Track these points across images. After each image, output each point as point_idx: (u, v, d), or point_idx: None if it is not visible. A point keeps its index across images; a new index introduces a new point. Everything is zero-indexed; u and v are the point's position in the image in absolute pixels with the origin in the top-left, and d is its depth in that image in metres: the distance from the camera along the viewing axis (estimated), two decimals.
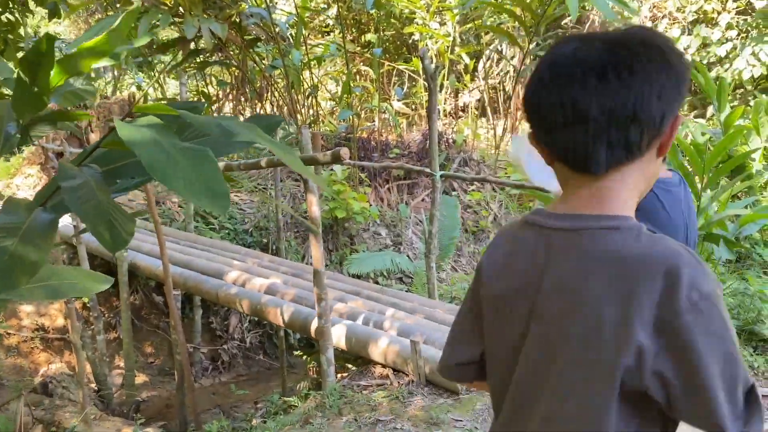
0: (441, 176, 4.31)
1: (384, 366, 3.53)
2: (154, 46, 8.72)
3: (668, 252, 0.83)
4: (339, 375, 3.81)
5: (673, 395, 0.81)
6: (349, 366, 3.89)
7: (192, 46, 8.27)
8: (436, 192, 4.29)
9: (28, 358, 6.61)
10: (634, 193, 0.91)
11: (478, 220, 8.91)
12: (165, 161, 0.99)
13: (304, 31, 10.93)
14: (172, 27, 8.50)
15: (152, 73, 13.37)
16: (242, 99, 10.20)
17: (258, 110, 10.97)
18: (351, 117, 9.15)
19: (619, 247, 0.85)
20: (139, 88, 13.01)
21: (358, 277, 6.62)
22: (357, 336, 3.62)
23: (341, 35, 14.26)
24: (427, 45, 12.81)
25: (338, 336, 3.70)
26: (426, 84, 4.17)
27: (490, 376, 1.04)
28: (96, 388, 6.00)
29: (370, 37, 14.38)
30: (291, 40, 9.96)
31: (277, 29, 10.03)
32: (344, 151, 2.87)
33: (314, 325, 3.51)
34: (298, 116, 10.05)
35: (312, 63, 10.02)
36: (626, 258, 0.84)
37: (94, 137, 8.98)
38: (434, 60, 13.28)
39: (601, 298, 0.84)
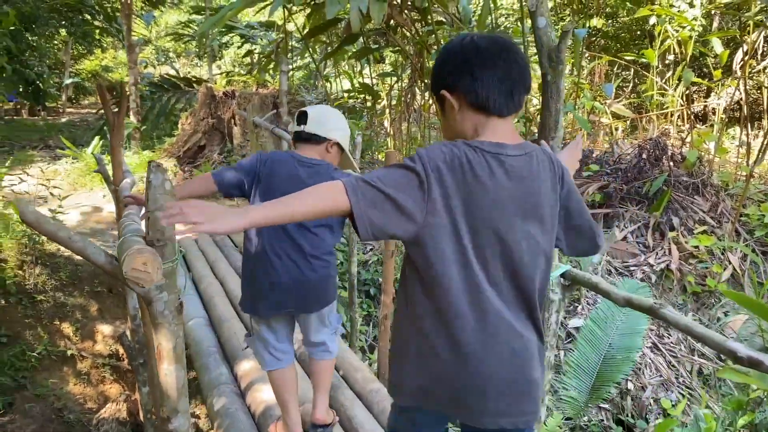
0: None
1: None
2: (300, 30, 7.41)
3: None
4: None
5: None
6: None
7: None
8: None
9: (96, 388, 5.69)
10: None
11: (705, 275, 6.10)
12: None
13: (494, 13, 8.84)
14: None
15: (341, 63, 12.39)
16: (410, 96, 8.48)
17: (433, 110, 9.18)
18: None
19: None
20: (326, 79, 12.12)
21: None
22: None
23: (579, 20, 11.78)
24: (666, 31, 9.84)
25: None
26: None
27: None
28: None
29: (596, 21, 11.82)
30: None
31: (459, 8, 8.14)
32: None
33: None
34: None
35: None
36: None
37: (237, 131, 7.98)
38: (674, 50, 10.29)
39: None
